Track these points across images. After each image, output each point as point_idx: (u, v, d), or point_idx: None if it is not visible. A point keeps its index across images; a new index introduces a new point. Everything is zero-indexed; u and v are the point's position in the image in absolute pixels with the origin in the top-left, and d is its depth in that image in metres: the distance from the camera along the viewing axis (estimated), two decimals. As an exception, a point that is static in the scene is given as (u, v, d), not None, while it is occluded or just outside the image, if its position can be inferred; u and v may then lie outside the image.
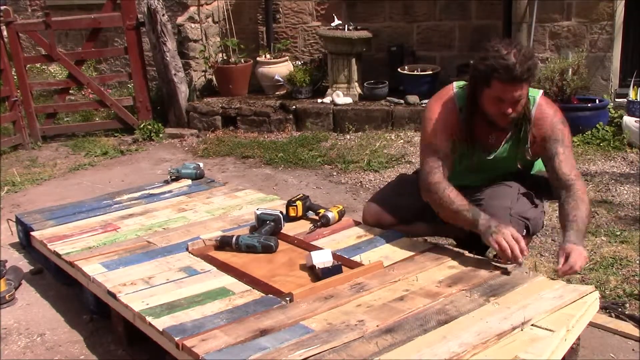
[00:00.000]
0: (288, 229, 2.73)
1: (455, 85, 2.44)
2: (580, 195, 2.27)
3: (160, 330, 1.92)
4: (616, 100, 5.14)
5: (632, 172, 4.06)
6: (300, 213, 2.82)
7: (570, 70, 4.86)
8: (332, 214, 2.75)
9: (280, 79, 5.84)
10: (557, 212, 3.39)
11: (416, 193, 2.48)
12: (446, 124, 2.38)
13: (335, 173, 4.41)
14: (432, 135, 2.40)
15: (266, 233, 2.61)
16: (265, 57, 6.01)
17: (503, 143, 2.40)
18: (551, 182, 2.37)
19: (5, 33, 5.47)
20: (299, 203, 2.83)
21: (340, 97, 5.46)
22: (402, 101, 5.30)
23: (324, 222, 2.72)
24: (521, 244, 2.14)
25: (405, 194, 2.64)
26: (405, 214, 2.62)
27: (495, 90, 2.20)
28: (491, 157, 2.42)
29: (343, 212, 2.83)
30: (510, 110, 2.23)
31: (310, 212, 2.87)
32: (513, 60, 2.13)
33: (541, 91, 2.41)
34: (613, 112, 4.83)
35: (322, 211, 2.78)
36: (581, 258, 2.10)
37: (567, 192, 2.29)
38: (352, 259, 2.37)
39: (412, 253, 2.39)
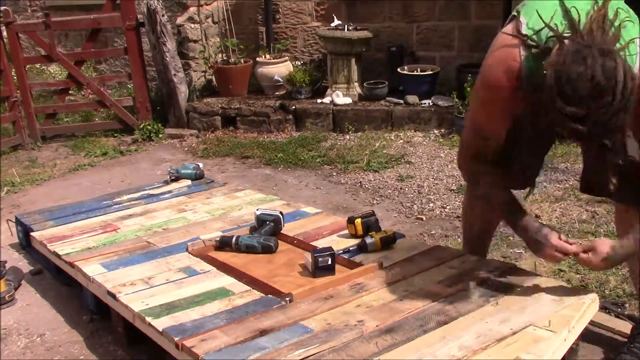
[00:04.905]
0: (288, 229, 2.73)
1: (523, 50, 1.66)
2: None
3: (160, 330, 1.92)
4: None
5: (632, 172, 4.06)
6: (360, 232, 2.55)
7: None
8: (371, 240, 2.43)
9: (279, 79, 5.84)
10: (556, 211, 3.41)
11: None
12: (505, 107, 1.78)
13: (335, 173, 4.41)
14: (485, 120, 1.87)
15: (266, 233, 2.61)
16: (264, 57, 6.01)
17: None
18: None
19: (5, 33, 5.46)
20: (358, 222, 2.56)
21: (339, 97, 5.45)
22: (401, 101, 5.30)
23: (362, 248, 2.44)
24: (567, 248, 1.85)
25: None
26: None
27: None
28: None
29: (391, 238, 2.45)
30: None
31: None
32: (587, 125, 1.48)
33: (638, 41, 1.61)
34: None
35: (373, 234, 2.47)
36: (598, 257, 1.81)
37: None
38: (352, 259, 2.37)
39: (412, 253, 2.39)
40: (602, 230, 3.16)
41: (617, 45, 1.52)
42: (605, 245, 1.83)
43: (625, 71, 1.46)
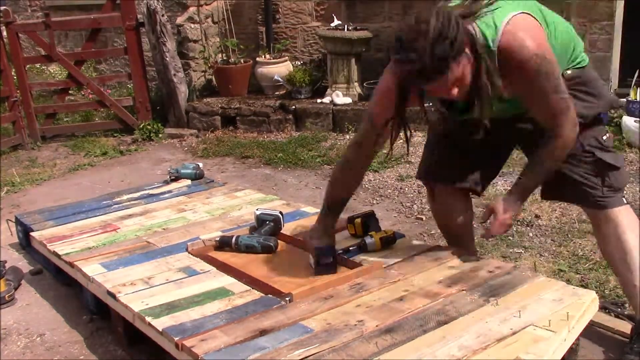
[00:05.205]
0: (288, 229, 2.73)
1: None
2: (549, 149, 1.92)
3: (160, 330, 1.92)
4: (616, 100, 5.14)
5: (632, 172, 4.06)
6: (360, 232, 2.55)
7: (570, 70, 4.85)
8: (371, 240, 2.42)
9: (279, 79, 5.84)
10: (556, 211, 3.41)
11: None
12: (385, 89, 2.01)
13: (334, 173, 4.40)
14: (372, 102, 2.12)
15: (266, 233, 2.61)
16: (264, 57, 6.01)
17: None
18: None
19: (5, 33, 5.47)
20: (358, 222, 2.56)
21: (339, 97, 5.45)
22: (401, 101, 5.29)
23: (362, 248, 2.42)
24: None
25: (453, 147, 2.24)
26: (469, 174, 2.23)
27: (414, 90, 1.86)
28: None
29: (391, 238, 2.45)
30: (444, 96, 1.83)
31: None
32: (424, 61, 1.64)
33: (509, 16, 1.78)
34: (612, 112, 4.82)
35: (373, 234, 2.46)
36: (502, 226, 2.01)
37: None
38: (351, 259, 2.37)
39: (412, 253, 2.38)
40: (602, 230, 3.16)
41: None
42: (503, 211, 2.00)
43: (453, 23, 1.65)
